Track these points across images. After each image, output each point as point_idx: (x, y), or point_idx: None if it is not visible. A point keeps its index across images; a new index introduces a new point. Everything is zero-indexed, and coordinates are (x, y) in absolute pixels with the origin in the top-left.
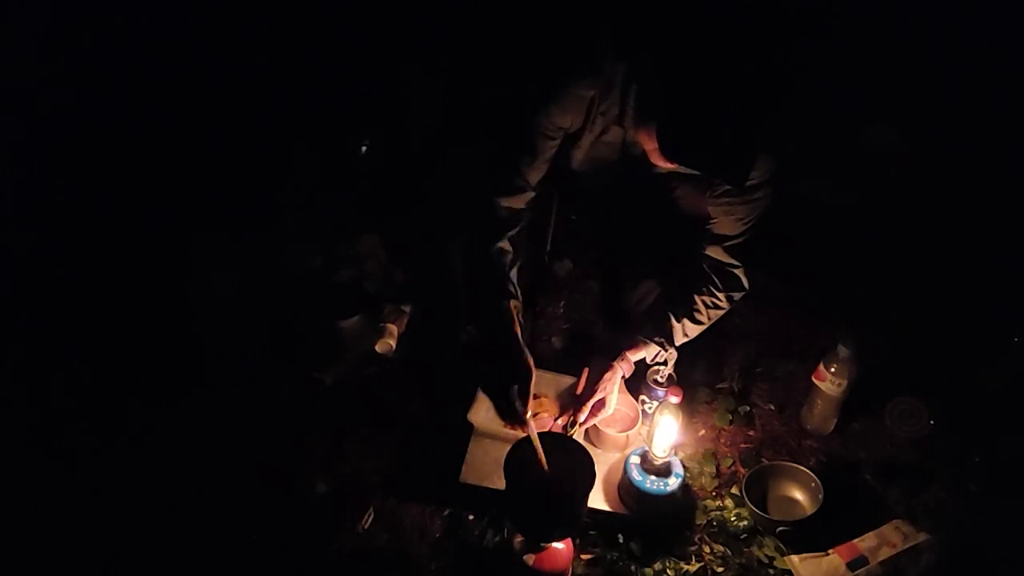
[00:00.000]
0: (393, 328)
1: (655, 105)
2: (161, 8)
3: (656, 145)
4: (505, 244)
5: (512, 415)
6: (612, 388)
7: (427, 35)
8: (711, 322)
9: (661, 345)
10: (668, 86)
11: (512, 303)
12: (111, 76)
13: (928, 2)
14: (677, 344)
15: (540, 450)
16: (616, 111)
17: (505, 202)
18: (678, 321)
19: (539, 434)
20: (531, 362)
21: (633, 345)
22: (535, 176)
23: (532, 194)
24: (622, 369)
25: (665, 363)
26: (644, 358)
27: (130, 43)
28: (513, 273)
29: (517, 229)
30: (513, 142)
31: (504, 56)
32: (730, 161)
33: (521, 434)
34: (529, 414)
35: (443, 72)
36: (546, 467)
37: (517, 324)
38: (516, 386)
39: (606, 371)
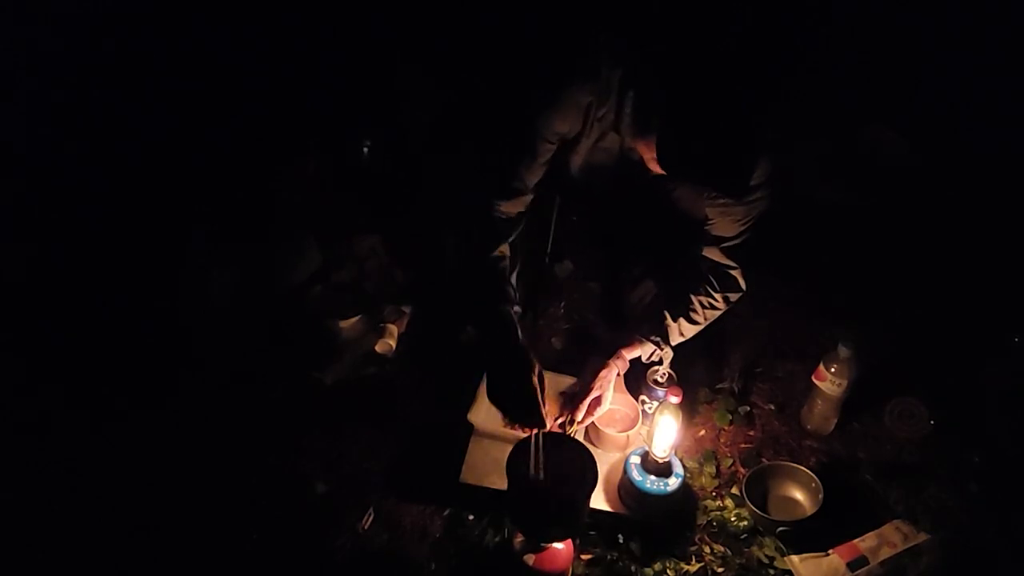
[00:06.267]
0: (393, 328)
1: (653, 118)
2: (161, 8)
3: (654, 155)
4: (504, 248)
5: (527, 417)
6: (608, 386)
7: (427, 35)
8: (707, 322)
9: (657, 344)
10: (666, 100)
11: (512, 308)
12: (111, 76)
13: (928, 2)
14: (673, 344)
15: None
16: (612, 117)
17: (504, 206)
18: (674, 321)
19: (543, 434)
20: (536, 363)
21: (629, 343)
22: (532, 179)
23: (530, 197)
24: (617, 367)
25: (660, 362)
26: (640, 356)
27: (130, 43)
28: (513, 277)
29: (515, 234)
30: (512, 146)
31: (503, 57)
32: (730, 176)
33: (523, 434)
34: (547, 412)
35: (442, 72)
36: (547, 470)
37: (518, 328)
38: (527, 389)
39: (601, 369)
